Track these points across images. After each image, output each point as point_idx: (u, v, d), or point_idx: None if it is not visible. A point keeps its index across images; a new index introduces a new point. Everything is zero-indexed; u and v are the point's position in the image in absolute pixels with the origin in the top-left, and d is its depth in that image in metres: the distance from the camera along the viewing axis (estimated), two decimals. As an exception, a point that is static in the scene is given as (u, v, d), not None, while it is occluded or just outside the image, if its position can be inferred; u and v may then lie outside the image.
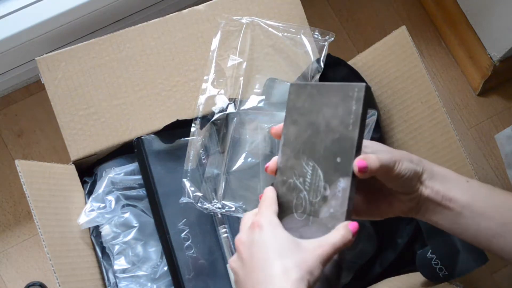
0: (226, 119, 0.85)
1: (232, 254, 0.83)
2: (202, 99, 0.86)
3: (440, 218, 0.61)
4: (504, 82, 1.24)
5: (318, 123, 0.57)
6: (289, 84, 0.85)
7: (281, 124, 0.59)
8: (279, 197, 0.58)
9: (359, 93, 0.55)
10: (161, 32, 0.88)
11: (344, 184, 0.55)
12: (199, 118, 0.85)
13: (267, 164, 0.60)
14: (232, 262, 0.55)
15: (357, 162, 0.55)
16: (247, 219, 0.57)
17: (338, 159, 0.55)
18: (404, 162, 0.58)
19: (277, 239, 0.53)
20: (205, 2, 0.88)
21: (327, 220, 0.55)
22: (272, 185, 0.59)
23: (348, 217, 0.55)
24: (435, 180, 0.60)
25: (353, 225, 0.54)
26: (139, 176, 0.85)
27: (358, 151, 0.56)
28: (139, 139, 0.85)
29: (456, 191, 0.61)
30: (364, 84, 0.55)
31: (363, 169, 0.55)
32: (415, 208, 0.61)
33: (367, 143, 0.59)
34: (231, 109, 0.85)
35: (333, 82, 0.58)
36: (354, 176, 0.55)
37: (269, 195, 0.58)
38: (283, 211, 0.58)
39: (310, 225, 0.56)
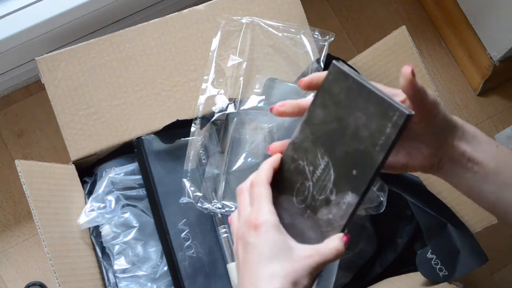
0: (226, 119, 0.85)
1: (232, 254, 0.83)
2: (202, 99, 0.86)
3: (461, 180, 0.58)
4: (504, 82, 1.24)
5: (347, 123, 0.54)
6: (289, 84, 0.85)
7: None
8: (284, 171, 0.56)
9: (399, 118, 0.51)
10: (161, 32, 0.88)
11: (351, 199, 0.53)
12: (199, 118, 0.85)
13: (274, 144, 0.57)
14: (234, 249, 0.56)
15: (407, 66, 0.52)
16: (244, 195, 0.56)
17: (354, 172, 0.53)
18: (440, 105, 0.55)
19: (271, 244, 0.52)
20: (205, 2, 0.89)
21: (323, 223, 0.54)
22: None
23: (344, 230, 0.53)
24: (463, 139, 0.57)
25: (346, 237, 0.53)
26: (139, 176, 0.85)
27: (377, 173, 0.52)
28: (139, 139, 0.85)
29: (484, 154, 0.57)
30: (407, 112, 0.51)
31: (410, 72, 0.52)
32: (436, 166, 0.58)
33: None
34: (231, 109, 0.85)
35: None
36: (363, 195, 0.52)
37: (268, 170, 0.55)
38: (284, 188, 0.55)
39: (306, 218, 0.55)
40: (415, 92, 0.53)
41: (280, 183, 0.56)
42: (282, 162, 0.57)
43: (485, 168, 0.57)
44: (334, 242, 0.53)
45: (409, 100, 0.54)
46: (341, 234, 0.53)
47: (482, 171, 0.57)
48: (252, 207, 0.54)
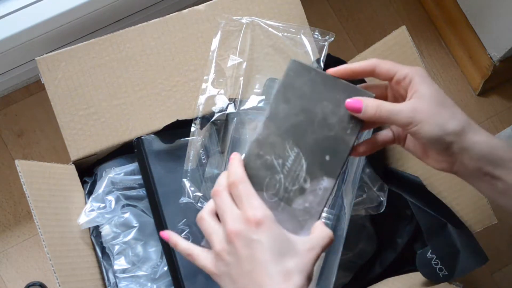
0: (226, 119, 0.85)
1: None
2: (202, 99, 0.86)
3: (479, 188, 0.57)
4: (504, 82, 1.24)
5: (314, 113, 0.56)
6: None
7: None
8: (249, 168, 0.56)
9: (369, 95, 0.55)
10: (161, 32, 0.88)
11: (327, 184, 0.54)
12: (199, 118, 0.85)
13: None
14: (223, 251, 0.53)
15: (351, 100, 0.54)
16: (222, 197, 0.54)
17: (327, 157, 0.55)
18: (425, 126, 0.54)
19: (277, 239, 0.52)
20: (205, 2, 0.89)
21: (300, 213, 0.54)
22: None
23: (320, 216, 0.54)
24: (476, 155, 0.55)
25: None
26: (139, 176, 0.85)
27: (349, 155, 0.55)
28: (139, 139, 0.85)
29: (503, 171, 0.55)
30: (373, 95, 0.55)
31: (353, 109, 0.54)
32: (450, 170, 0.57)
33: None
34: (231, 109, 0.85)
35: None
36: (338, 178, 0.54)
37: (241, 167, 0.55)
38: (254, 179, 0.55)
39: (280, 211, 0.55)
40: (376, 121, 0.55)
41: (251, 177, 0.56)
42: (246, 161, 0.57)
43: (505, 184, 0.56)
44: (324, 231, 0.53)
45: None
46: (320, 221, 0.54)
47: (501, 186, 0.56)
48: (242, 205, 0.53)
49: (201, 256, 0.56)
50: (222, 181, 0.56)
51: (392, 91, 0.60)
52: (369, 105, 0.54)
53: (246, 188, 0.54)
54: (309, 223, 0.54)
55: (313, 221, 0.54)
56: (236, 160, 0.56)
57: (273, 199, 0.55)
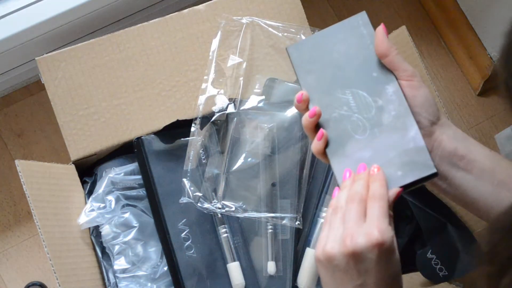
0: (226, 119, 0.85)
1: (232, 254, 0.83)
2: (202, 99, 0.86)
3: (455, 181, 0.58)
4: (504, 82, 1.24)
5: (336, 60, 0.61)
6: (289, 84, 0.85)
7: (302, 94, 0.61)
8: (331, 131, 0.59)
9: (363, 19, 0.62)
10: (161, 32, 0.88)
11: (393, 87, 0.58)
12: (199, 118, 0.85)
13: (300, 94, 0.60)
14: (337, 252, 0.52)
15: (382, 26, 0.59)
16: (354, 206, 0.53)
17: (374, 74, 0.59)
18: (425, 88, 0.58)
19: (393, 265, 0.52)
20: (205, 2, 0.88)
21: (394, 121, 0.57)
22: (320, 127, 0.59)
23: (411, 110, 0.57)
24: (454, 138, 0.58)
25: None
26: (139, 176, 0.85)
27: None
28: (139, 139, 0.85)
29: (478, 154, 0.57)
30: (363, 11, 0.62)
31: (382, 34, 0.58)
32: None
33: None
34: (231, 109, 0.85)
35: None
36: (395, 77, 0.58)
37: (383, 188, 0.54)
38: (341, 138, 0.58)
39: (379, 135, 0.58)
40: (385, 51, 0.58)
41: (338, 140, 0.59)
42: (326, 127, 0.59)
43: (480, 166, 0.57)
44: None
45: (384, 62, 0.59)
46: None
47: (477, 170, 0.57)
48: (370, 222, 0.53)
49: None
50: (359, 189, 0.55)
51: None
52: (390, 42, 0.59)
53: (381, 206, 0.53)
54: (407, 121, 0.57)
55: (409, 117, 0.57)
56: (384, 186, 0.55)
57: (365, 134, 0.58)
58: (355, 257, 0.51)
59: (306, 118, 0.60)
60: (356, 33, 0.61)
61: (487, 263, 0.43)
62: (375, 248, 0.50)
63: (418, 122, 0.58)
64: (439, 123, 0.58)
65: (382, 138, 0.57)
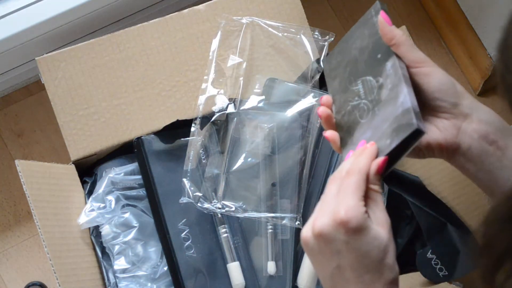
0: (226, 119, 0.85)
1: (232, 254, 0.83)
2: (202, 99, 0.86)
3: (480, 166, 0.55)
4: (504, 82, 1.24)
5: (353, 56, 0.61)
6: (289, 84, 0.85)
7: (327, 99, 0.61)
8: (344, 125, 0.59)
9: (375, 8, 0.59)
10: (161, 32, 0.88)
11: (391, 62, 0.57)
12: (199, 118, 0.85)
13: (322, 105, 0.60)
14: (310, 235, 0.50)
15: (384, 14, 0.57)
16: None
17: (379, 55, 0.58)
18: (438, 72, 0.56)
19: (366, 244, 0.49)
20: (205, 2, 0.88)
21: (390, 93, 0.56)
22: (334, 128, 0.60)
23: (408, 82, 0.55)
24: (487, 121, 0.55)
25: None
26: (139, 176, 0.85)
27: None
28: (139, 139, 0.85)
29: (509, 141, 0.54)
30: (377, 1, 0.59)
31: (385, 21, 0.56)
32: (454, 139, 0.55)
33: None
34: (231, 109, 0.85)
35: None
36: (395, 55, 0.57)
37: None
38: (351, 128, 0.58)
39: (378, 112, 0.56)
40: (387, 39, 0.56)
41: (349, 129, 0.59)
42: (340, 123, 0.59)
43: (509, 156, 0.54)
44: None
45: (393, 50, 0.57)
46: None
47: (506, 159, 0.54)
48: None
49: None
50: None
51: None
52: (397, 29, 0.57)
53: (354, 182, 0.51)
54: (399, 88, 0.55)
55: (400, 84, 0.55)
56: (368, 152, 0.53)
57: (368, 115, 0.57)
58: (324, 238, 0.49)
59: (320, 110, 0.60)
60: (369, 24, 0.60)
61: (483, 255, 0.42)
62: (340, 227, 0.48)
63: (439, 107, 0.56)
64: (465, 104, 0.56)
65: (380, 114, 0.56)
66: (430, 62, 0.57)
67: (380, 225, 0.50)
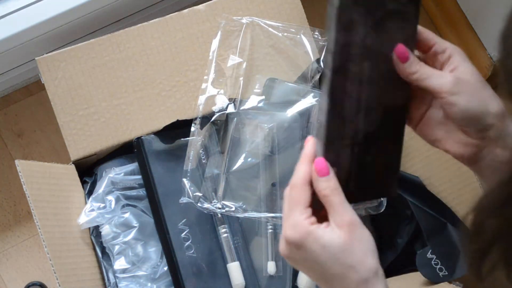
0: (226, 119, 0.85)
1: (232, 254, 0.83)
2: (202, 99, 0.86)
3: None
4: (504, 82, 1.24)
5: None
6: (289, 84, 0.85)
7: None
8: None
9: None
10: (161, 32, 0.88)
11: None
12: (199, 118, 0.85)
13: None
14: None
15: (401, 46, 0.50)
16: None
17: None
18: (467, 97, 0.49)
19: (319, 254, 0.49)
20: (205, 2, 0.89)
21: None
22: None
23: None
24: (507, 147, 0.51)
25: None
26: (139, 176, 0.85)
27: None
28: (139, 139, 0.85)
29: None
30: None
31: (401, 55, 0.50)
32: (474, 156, 0.52)
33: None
34: (231, 109, 0.85)
35: None
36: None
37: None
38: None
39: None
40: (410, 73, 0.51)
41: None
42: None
43: None
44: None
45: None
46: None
47: None
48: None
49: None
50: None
51: (426, 62, 0.54)
52: (414, 59, 0.51)
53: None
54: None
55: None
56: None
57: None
58: (288, 258, 0.50)
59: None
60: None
61: (472, 242, 0.41)
62: (291, 246, 0.49)
63: (463, 130, 0.52)
64: (494, 129, 0.51)
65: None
66: (458, 87, 0.51)
67: (338, 226, 0.49)
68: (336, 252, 0.48)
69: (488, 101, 0.51)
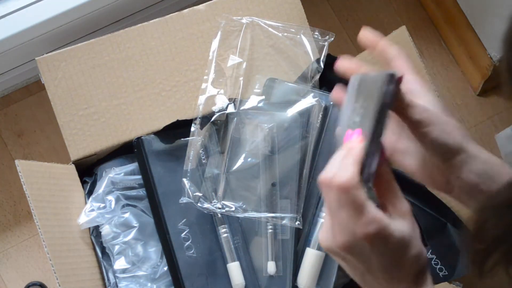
0: (226, 119, 0.85)
1: (232, 254, 0.83)
2: (202, 99, 0.86)
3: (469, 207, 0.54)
4: (504, 82, 1.24)
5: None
6: (289, 84, 0.85)
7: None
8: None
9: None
10: (161, 32, 0.88)
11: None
12: (199, 118, 0.85)
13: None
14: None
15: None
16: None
17: None
18: (436, 128, 0.51)
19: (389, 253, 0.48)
20: (205, 2, 0.89)
21: None
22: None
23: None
24: (476, 170, 0.52)
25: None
26: (139, 176, 0.85)
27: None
28: (138, 139, 0.85)
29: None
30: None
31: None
32: (445, 187, 0.55)
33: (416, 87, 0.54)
34: (231, 109, 0.85)
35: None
36: None
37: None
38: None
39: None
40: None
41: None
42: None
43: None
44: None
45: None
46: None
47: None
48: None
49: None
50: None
51: None
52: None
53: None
54: None
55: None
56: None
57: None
58: (350, 251, 0.48)
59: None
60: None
61: (474, 242, 0.42)
62: (364, 241, 0.47)
63: (435, 162, 0.53)
64: (459, 158, 0.53)
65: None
66: (428, 118, 0.52)
67: (401, 215, 0.49)
68: (406, 241, 0.48)
69: (453, 128, 0.53)
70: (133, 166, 0.87)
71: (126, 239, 0.83)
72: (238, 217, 0.83)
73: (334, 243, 0.49)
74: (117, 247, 0.83)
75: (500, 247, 0.40)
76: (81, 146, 0.85)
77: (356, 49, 1.25)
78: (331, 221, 0.49)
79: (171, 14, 0.88)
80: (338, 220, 0.48)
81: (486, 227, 0.41)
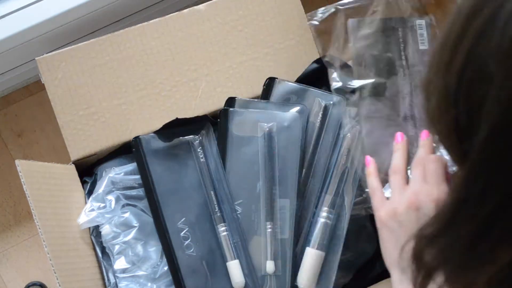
0: (226, 119, 0.85)
1: (232, 252, 0.83)
2: (202, 99, 0.86)
3: None
4: (504, 82, 1.24)
5: None
6: (289, 84, 0.85)
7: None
8: None
9: None
10: (161, 32, 0.88)
11: None
12: (199, 117, 0.85)
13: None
14: (403, 208, 0.65)
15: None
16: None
17: None
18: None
19: None
20: (205, 2, 0.89)
21: None
22: None
23: None
24: None
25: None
26: (139, 176, 0.85)
27: None
28: (136, 138, 0.85)
29: None
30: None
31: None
32: None
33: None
34: (231, 108, 0.85)
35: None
36: None
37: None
38: None
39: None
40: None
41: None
42: None
43: None
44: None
45: None
46: None
47: None
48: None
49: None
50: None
51: None
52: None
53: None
54: None
55: None
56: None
57: None
58: (416, 210, 0.63)
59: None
60: None
61: (415, 269, 0.45)
62: (432, 203, 0.62)
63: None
64: None
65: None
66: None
67: None
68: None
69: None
70: (133, 165, 0.87)
71: (126, 239, 0.83)
72: (237, 216, 0.83)
73: (407, 203, 0.65)
74: (117, 247, 0.83)
75: (439, 274, 0.43)
76: (81, 146, 0.85)
77: (356, 49, 1.25)
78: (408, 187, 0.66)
79: (171, 14, 0.88)
80: (418, 184, 0.66)
81: (422, 256, 0.44)
